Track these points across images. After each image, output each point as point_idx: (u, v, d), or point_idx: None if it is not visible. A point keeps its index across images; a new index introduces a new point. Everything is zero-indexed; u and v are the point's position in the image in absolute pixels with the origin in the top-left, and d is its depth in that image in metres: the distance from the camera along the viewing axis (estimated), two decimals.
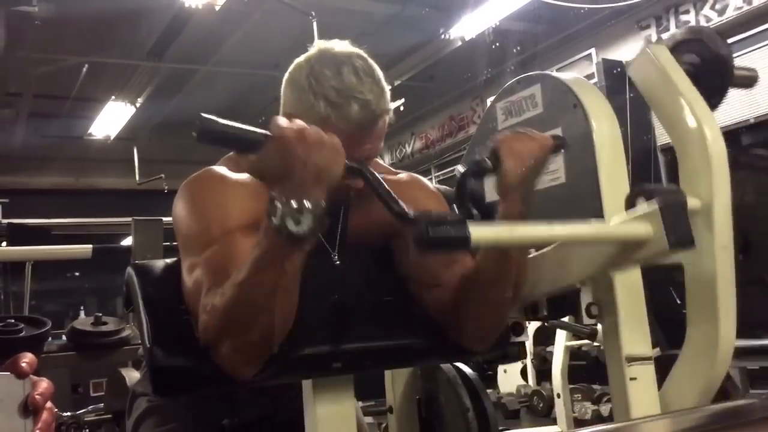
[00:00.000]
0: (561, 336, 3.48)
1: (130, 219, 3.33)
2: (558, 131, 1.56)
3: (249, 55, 6.91)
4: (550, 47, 6.88)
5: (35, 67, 6.84)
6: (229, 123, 1.02)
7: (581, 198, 1.47)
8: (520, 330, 1.57)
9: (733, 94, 1.64)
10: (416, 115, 8.88)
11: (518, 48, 7.15)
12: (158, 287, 1.23)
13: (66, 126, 8.70)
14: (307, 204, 0.99)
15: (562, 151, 1.35)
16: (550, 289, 1.47)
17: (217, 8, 5.61)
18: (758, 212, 1.96)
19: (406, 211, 1.12)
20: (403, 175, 1.47)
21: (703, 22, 5.71)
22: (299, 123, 1.03)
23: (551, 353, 3.56)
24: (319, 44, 1.34)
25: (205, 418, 1.43)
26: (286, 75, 1.33)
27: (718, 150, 1.40)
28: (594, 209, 1.42)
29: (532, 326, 3.52)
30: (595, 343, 3.24)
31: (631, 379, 1.39)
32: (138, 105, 8.19)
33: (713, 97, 1.49)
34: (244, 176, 1.30)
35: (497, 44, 6.94)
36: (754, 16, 5.41)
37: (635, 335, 1.42)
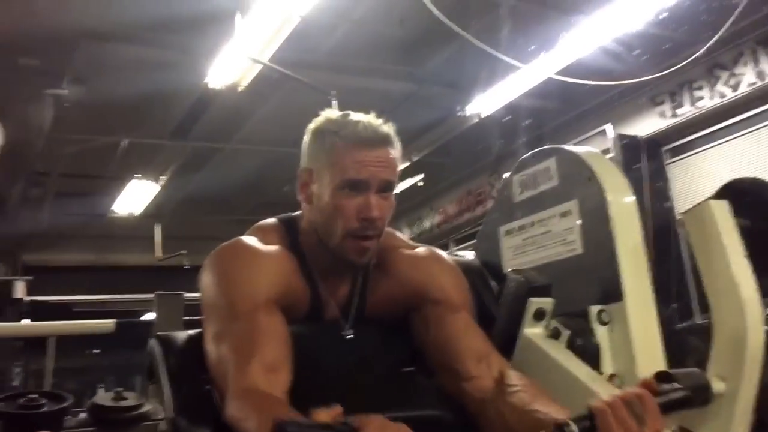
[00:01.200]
0: None
1: (150, 295, 3.37)
2: (574, 203, 1.58)
3: (270, 132, 7.06)
4: (566, 123, 6.97)
5: (63, 147, 7.04)
6: (309, 424, 0.91)
7: (598, 268, 1.49)
8: None
9: None
10: (434, 190, 8.97)
11: (533, 124, 7.26)
12: (181, 357, 1.25)
13: (90, 204, 8.86)
14: None
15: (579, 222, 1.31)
16: None
17: (240, 89, 5.77)
18: None
19: None
20: (422, 249, 1.49)
21: (717, 99, 5.77)
22: None
23: None
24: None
25: None
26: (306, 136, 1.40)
27: (756, 338, 1.28)
28: (610, 280, 1.43)
29: None
30: None
31: None
32: (161, 182, 8.35)
33: None
34: (274, 248, 1.33)
35: (513, 120, 7.06)
36: None
37: None
